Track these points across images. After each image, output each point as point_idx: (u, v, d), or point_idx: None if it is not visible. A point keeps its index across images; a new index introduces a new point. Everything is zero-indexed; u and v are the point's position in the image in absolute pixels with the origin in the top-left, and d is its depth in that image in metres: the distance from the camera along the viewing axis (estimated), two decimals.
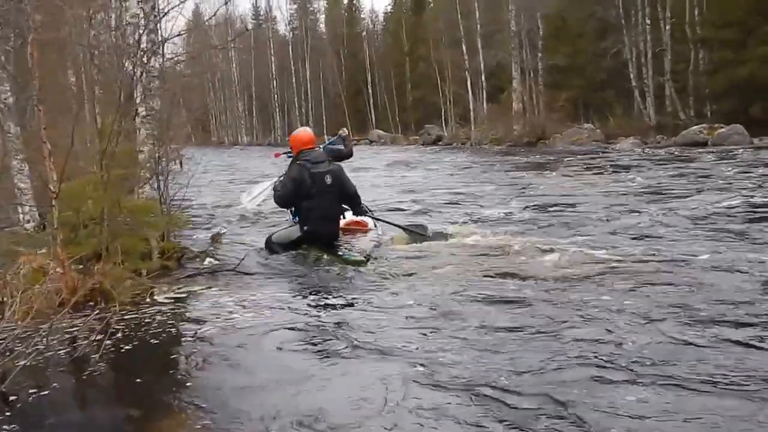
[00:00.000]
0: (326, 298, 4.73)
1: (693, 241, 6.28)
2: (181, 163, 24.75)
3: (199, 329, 3.99)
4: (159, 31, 15.25)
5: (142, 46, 6.34)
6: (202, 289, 5.08)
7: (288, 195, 6.24)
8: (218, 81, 57.04)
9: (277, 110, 51.50)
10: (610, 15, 31.18)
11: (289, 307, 4.49)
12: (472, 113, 33.57)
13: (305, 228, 6.18)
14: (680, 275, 4.84)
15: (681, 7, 29.66)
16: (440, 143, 35.37)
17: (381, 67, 49.48)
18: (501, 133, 29.78)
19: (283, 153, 7.96)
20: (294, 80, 50.07)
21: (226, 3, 20.20)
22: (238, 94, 55.04)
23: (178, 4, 13.33)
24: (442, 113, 38.78)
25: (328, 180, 6.08)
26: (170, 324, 4.13)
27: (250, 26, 55.85)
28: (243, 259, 5.91)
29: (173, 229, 6.33)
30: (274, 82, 50.50)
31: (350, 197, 6.32)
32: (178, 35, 14.40)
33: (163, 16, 14.26)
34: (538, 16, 31.87)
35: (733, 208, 8.24)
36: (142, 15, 6.92)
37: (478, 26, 33.13)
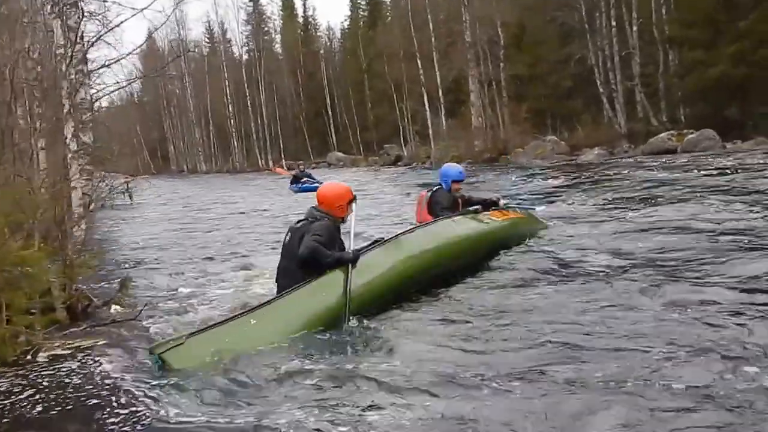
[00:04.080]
0: None
1: None
2: (130, 196, 21.91)
3: (73, 394, 3.69)
4: (87, 62, 12.70)
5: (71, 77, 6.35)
6: (94, 344, 4.68)
7: None
8: (174, 108, 54.99)
9: (235, 136, 49.16)
10: (572, 19, 29.37)
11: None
12: (431, 130, 31.56)
13: None
14: None
15: (648, 8, 27.93)
16: (400, 163, 33.44)
17: (340, 86, 47.43)
18: (461, 150, 27.70)
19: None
20: (250, 104, 47.95)
21: (150, 35, 17.89)
22: (194, 121, 52.85)
23: (106, 32, 11.22)
24: (401, 132, 36.80)
25: (287, 238, 5.20)
26: (41, 388, 3.81)
27: (205, 51, 53.95)
28: (143, 308, 5.44)
29: (79, 276, 5.79)
30: (230, 107, 48.35)
31: (302, 258, 4.88)
32: (104, 66, 12.35)
33: (91, 45, 11.95)
34: (498, 25, 29.96)
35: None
36: (69, 45, 6.77)
37: (433, 39, 31.23)
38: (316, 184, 19.33)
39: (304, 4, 55.71)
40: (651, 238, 6.73)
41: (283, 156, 44.90)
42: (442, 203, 6.70)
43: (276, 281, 5.14)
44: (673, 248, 6.10)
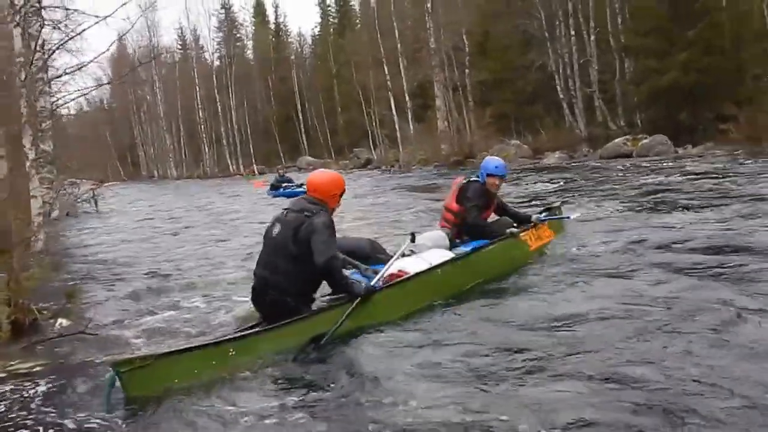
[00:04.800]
0: None
1: None
2: (96, 203, 21.99)
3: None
4: (48, 69, 13.06)
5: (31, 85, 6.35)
6: (34, 365, 4.26)
7: None
8: (144, 114, 54.93)
9: (206, 141, 49.38)
10: (533, 27, 30.41)
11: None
12: (398, 134, 32.41)
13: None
14: None
15: (604, 17, 29.08)
16: (369, 166, 34.23)
17: (311, 91, 48.13)
18: (428, 154, 28.55)
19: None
20: (220, 109, 48.21)
21: (112, 44, 18.09)
22: (165, 127, 52.80)
23: (66, 40, 11.59)
24: (370, 136, 37.72)
25: (275, 231, 4.48)
26: None
27: (177, 57, 54.14)
28: (88, 323, 4.99)
29: (28, 289, 5.48)
30: (200, 112, 48.51)
31: (319, 268, 4.31)
32: (64, 74, 12.71)
33: (52, 53, 12.36)
34: (462, 32, 30.88)
35: None
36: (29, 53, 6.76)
37: (399, 45, 32.09)
38: (298, 189, 18.05)
39: (276, 11, 56.51)
40: (673, 247, 6.19)
41: (254, 161, 45.32)
42: (473, 199, 6.11)
43: (255, 273, 4.59)
44: (700, 256, 5.65)
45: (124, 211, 20.74)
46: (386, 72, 32.99)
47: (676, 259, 5.59)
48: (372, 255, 5.19)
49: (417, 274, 4.93)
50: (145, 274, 7.79)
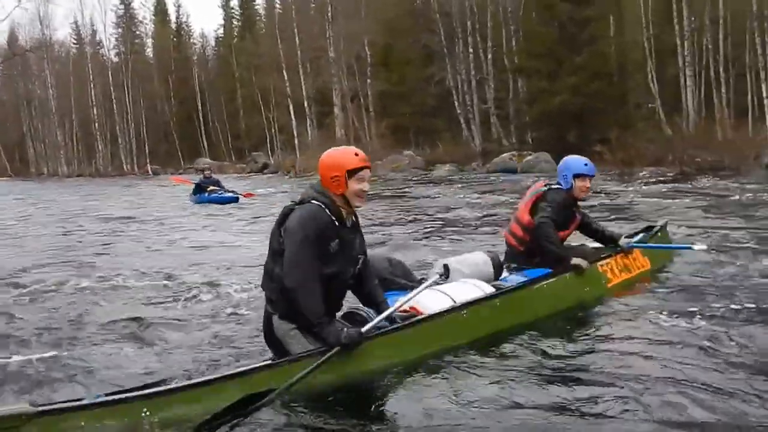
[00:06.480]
0: None
1: None
2: None
3: None
4: None
5: None
6: None
7: None
8: (35, 108, 52.02)
9: (100, 138, 47.37)
10: (433, 42, 31.04)
11: None
12: (296, 140, 32.23)
13: None
14: None
15: (500, 37, 30.04)
16: (266, 171, 34.01)
17: (212, 92, 47.22)
18: None
19: None
20: (116, 107, 46.42)
21: None
22: (57, 122, 50.17)
23: None
24: (267, 140, 37.35)
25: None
26: None
27: (72, 52, 51.95)
28: None
29: None
30: (95, 109, 46.47)
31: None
32: None
33: None
34: (365, 42, 31.10)
35: None
36: None
37: (299, 52, 32.00)
38: (228, 195, 15.57)
39: (178, 11, 55.42)
40: None
41: (148, 161, 44.04)
42: (549, 209, 4.60)
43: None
44: None
45: None
46: (285, 78, 32.80)
47: None
48: (390, 279, 3.79)
49: (431, 317, 3.48)
50: (22, 292, 5.85)
